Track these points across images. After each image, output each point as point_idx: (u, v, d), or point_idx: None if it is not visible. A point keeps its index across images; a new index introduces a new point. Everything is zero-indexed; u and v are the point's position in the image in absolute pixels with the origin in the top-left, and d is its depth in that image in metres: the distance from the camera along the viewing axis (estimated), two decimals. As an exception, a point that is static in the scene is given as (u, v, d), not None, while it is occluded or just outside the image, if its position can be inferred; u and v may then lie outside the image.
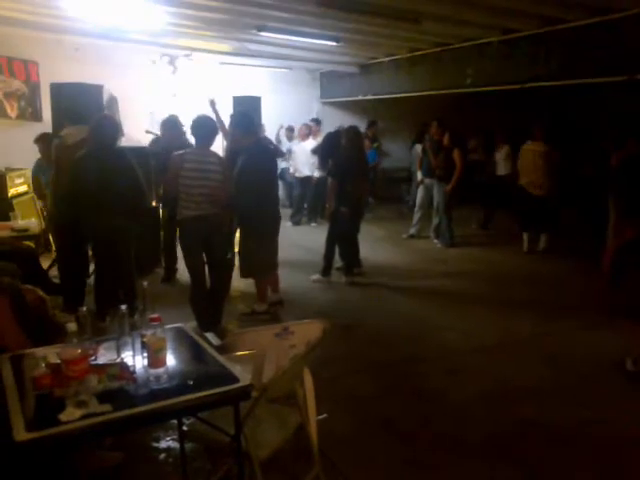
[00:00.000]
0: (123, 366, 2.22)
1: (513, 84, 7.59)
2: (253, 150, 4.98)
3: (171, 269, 6.24)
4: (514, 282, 6.62)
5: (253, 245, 4.97)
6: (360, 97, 10.89)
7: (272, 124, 9.89)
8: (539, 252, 7.80)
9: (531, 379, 4.07)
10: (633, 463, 3.07)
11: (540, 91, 7.76)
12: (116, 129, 4.59)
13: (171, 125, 6.08)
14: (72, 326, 2.16)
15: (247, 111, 5.86)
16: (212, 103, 5.96)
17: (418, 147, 9.47)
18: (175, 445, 3.05)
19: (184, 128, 6.12)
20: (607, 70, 6.41)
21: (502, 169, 9.26)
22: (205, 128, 4.62)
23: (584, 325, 5.10)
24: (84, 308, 2.34)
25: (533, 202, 7.67)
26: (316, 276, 6.44)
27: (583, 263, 7.05)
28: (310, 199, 9.70)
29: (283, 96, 11.08)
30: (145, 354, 2.23)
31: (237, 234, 5.31)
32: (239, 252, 5.14)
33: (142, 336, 2.30)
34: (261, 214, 4.93)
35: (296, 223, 9.61)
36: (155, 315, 2.20)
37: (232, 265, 5.51)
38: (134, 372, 2.20)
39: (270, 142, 6.40)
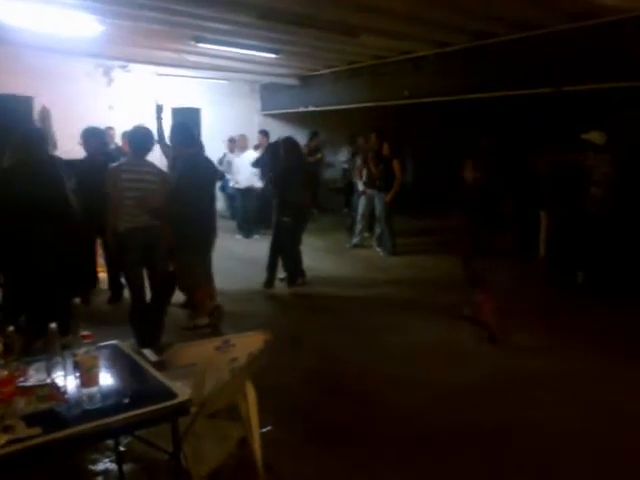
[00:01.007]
0: (53, 387, 2.13)
1: (447, 96, 7.83)
2: (191, 162, 4.92)
3: (116, 287, 6.00)
4: (455, 287, 6.75)
5: (189, 259, 4.89)
6: (301, 109, 10.95)
7: (212, 136, 9.80)
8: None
9: (471, 382, 4.15)
10: (568, 460, 3.16)
11: (479, 102, 8.01)
12: (43, 141, 4.38)
13: (90, 135, 5.83)
14: (-3, 347, 2.05)
15: (186, 122, 5.77)
16: (159, 109, 5.67)
17: (358, 158, 9.58)
18: (113, 467, 2.94)
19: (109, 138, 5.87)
20: (535, 82, 6.72)
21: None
22: (141, 139, 4.54)
23: (522, 329, 5.26)
24: (11, 328, 2.24)
25: None
26: (260, 288, 6.40)
27: (523, 265, 7.32)
28: (253, 211, 9.63)
29: (223, 108, 11.01)
30: (77, 374, 2.15)
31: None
32: (176, 266, 5.04)
33: (74, 355, 2.22)
34: (197, 227, 4.85)
35: (246, 236, 9.50)
36: (87, 333, 2.12)
37: (174, 278, 5.40)
38: (65, 392, 2.11)
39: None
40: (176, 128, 5.18)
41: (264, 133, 9.93)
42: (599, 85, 6.24)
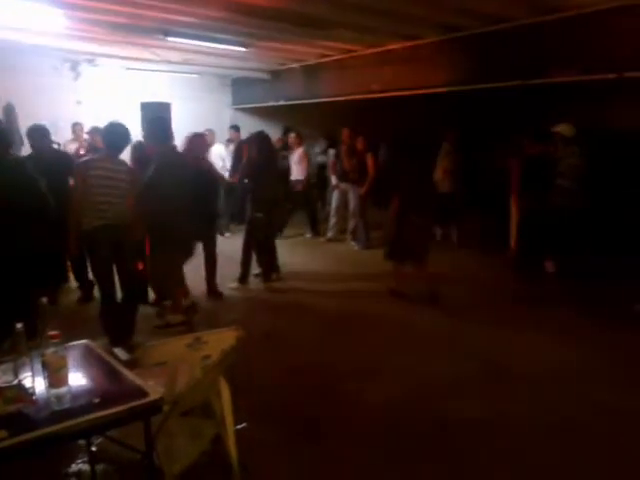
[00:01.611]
0: (21, 388, 2.09)
1: (416, 89, 7.86)
2: (164, 159, 4.85)
3: (86, 286, 5.91)
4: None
5: (163, 260, 4.83)
6: (272, 103, 10.90)
7: (183, 131, 9.67)
8: (453, 245, 8.39)
9: (450, 376, 4.19)
10: (551, 452, 3.22)
11: (450, 95, 8.07)
12: (5, 138, 4.27)
13: (34, 132, 5.65)
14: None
15: (163, 117, 5.70)
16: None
17: (331, 152, 9.58)
18: (86, 468, 2.90)
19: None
20: (503, 76, 6.78)
21: (296, 173, 9.34)
22: (116, 136, 4.47)
23: (497, 320, 5.39)
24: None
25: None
26: (234, 284, 6.37)
27: (493, 257, 7.44)
28: (223, 208, 9.49)
29: (193, 103, 10.89)
30: (45, 374, 2.11)
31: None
32: (151, 273, 4.98)
33: (42, 355, 2.17)
34: (172, 228, 4.78)
35: (222, 233, 9.37)
36: (54, 332, 2.08)
37: (144, 277, 5.35)
38: (34, 394, 2.07)
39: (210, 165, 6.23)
40: (154, 123, 5.09)
41: (235, 128, 9.85)
42: (566, 78, 6.33)
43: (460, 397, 3.85)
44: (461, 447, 3.25)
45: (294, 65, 9.93)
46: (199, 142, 5.69)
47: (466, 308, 5.68)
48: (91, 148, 6.97)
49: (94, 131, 7.48)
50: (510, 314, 5.52)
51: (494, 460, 3.13)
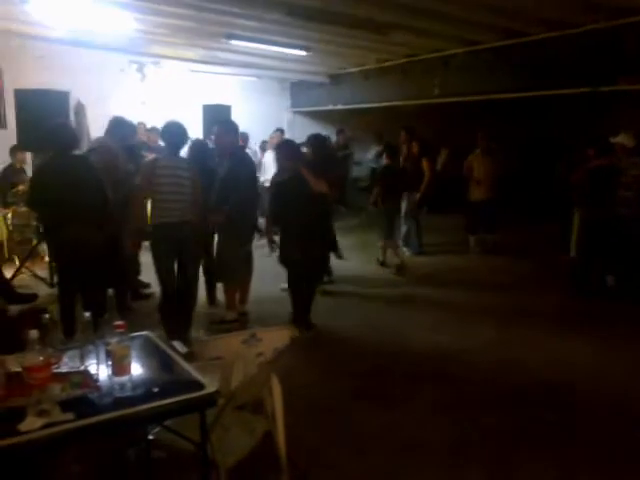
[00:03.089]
0: (87, 374, 2.19)
1: (477, 95, 7.76)
2: (239, 155, 5.09)
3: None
4: (480, 287, 6.73)
5: (234, 250, 4.97)
6: (330, 107, 10.96)
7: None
8: (492, 253, 8.27)
9: (494, 385, 4.12)
10: (588, 462, 3.14)
11: (511, 101, 7.92)
12: (71, 135, 4.47)
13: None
14: (34, 334, 2.11)
15: (231, 120, 6.07)
16: None
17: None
18: (141, 454, 2.99)
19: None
20: (568, 82, 6.60)
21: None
22: (175, 134, 4.62)
23: (545, 330, 5.25)
24: (47, 315, 2.31)
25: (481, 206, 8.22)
26: (286, 284, 6.42)
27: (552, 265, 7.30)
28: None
29: (253, 105, 11.08)
30: (109, 362, 2.20)
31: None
32: (217, 257, 5.14)
33: (106, 344, 2.27)
34: (244, 219, 4.98)
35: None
36: (119, 322, 2.17)
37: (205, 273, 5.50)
38: (98, 380, 2.17)
39: None
40: (227, 125, 5.29)
41: (280, 131, 10.01)
42: (635, 86, 6.12)
43: (505, 407, 3.79)
44: (503, 456, 3.21)
45: (353, 69, 9.97)
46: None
47: (515, 316, 5.57)
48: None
49: (152, 130, 7.76)
50: (560, 325, 5.37)
51: (539, 469, 3.06)
